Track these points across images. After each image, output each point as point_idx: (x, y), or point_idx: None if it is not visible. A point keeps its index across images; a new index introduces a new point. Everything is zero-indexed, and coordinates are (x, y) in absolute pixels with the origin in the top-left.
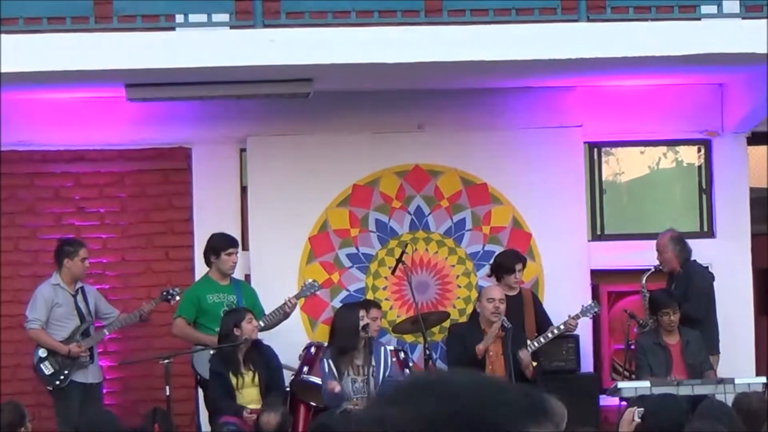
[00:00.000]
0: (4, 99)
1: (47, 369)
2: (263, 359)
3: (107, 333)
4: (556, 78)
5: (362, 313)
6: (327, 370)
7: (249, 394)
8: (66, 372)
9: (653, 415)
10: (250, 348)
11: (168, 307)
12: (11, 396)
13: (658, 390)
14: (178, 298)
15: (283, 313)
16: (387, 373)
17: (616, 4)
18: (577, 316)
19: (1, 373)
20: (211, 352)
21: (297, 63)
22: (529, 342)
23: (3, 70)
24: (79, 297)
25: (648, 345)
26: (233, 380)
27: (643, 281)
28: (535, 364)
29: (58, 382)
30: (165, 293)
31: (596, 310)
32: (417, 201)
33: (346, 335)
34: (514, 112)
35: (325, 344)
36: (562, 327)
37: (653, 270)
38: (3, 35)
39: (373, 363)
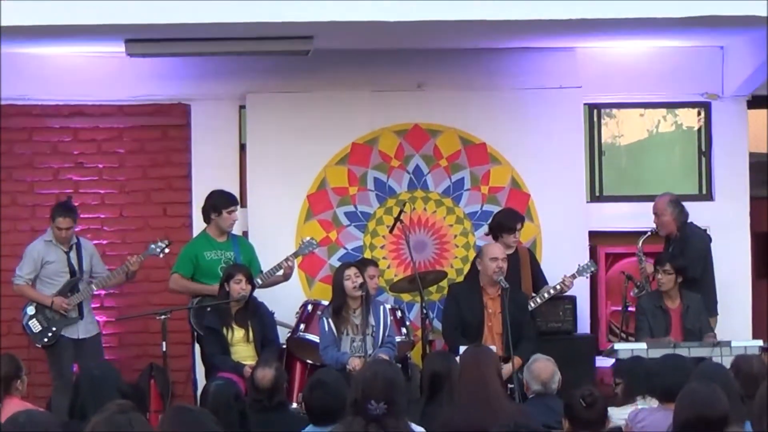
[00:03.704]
0: (3, 53)
1: (35, 327)
2: (257, 316)
3: (95, 289)
4: (556, 39)
5: (354, 271)
6: (327, 328)
7: (241, 351)
8: (54, 329)
9: (658, 374)
10: (243, 306)
11: (163, 262)
12: (8, 350)
13: (654, 352)
14: (167, 250)
15: (283, 275)
16: (386, 333)
17: None
18: (573, 276)
19: None
20: (208, 308)
21: (297, 20)
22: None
23: (2, 24)
24: (72, 253)
25: (649, 307)
26: (226, 334)
27: (640, 245)
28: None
29: (46, 340)
30: (153, 246)
31: (593, 269)
32: (416, 160)
33: (335, 293)
34: (514, 73)
35: (322, 302)
36: (558, 287)
37: (650, 233)
38: None
39: (372, 322)
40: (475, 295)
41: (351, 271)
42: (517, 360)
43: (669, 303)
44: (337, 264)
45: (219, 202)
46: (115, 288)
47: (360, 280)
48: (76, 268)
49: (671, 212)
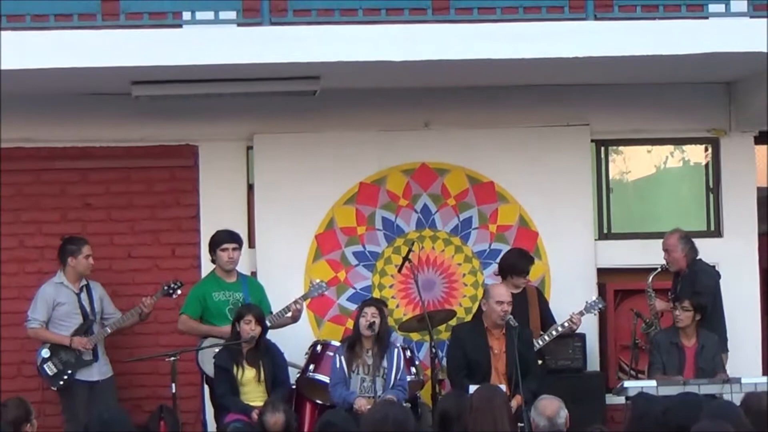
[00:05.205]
0: (10, 96)
1: (50, 370)
2: (268, 357)
3: (109, 331)
4: (563, 76)
5: (372, 311)
6: (338, 366)
7: (251, 391)
8: (69, 372)
9: (673, 411)
10: (253, 346)
11: (173, 303)
12: (16, 393)
13: (664, 389)
14: (179, 291)
15: (292, 317)
16: (398, 376)
17: (624, 3)
18: (581, 313)
19: (6, 370)
20: (216, 349)
21: (304, 60)
22: (533, 340)
23: (9, 68)
24: (83, 295)
25: (664, 343)
26: (236, 373)
27: (649, 281)
28: (540, 362)
29: (61, 383)
30: (166, 287)
31: (600, 306)
32: (424, 199)
33: (353, 328)
34: (521, 110)
35: (332, 342)
36: (566, 324)
37: (659, 270)
38: (10, 32)
39: (385, 365)
40: (480, 336)
41: (369, 309)
42: (519, 397)
43: (685, 340)
44: (346, 304)
45: (215, 240)
46: (127, 330)
47: (374, 319)
48: (88, 309)
49: (682, 248)
